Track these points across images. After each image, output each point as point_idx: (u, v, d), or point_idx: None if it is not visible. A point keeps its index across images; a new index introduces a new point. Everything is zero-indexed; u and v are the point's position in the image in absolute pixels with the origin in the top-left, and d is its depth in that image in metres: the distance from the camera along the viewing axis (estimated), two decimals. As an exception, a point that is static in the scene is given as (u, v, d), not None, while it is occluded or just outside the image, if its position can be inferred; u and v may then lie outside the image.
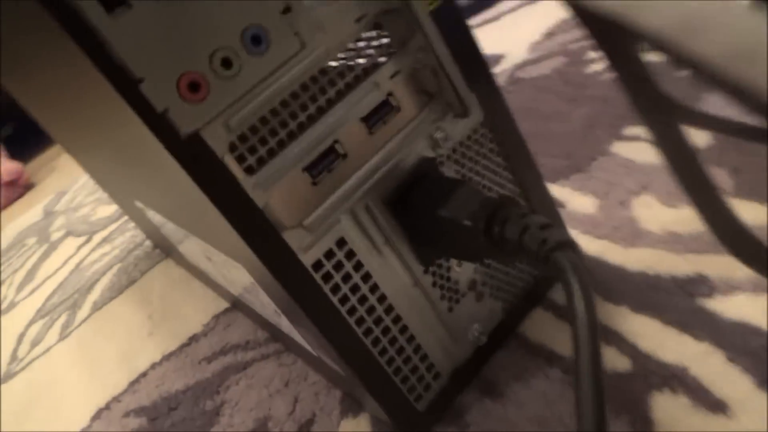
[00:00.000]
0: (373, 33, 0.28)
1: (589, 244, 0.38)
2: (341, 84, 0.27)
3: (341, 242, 0.28)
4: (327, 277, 0.28)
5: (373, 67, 0.28)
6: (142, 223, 0.64)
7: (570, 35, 0.62)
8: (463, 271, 0.33)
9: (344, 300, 0.29)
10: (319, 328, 0.28)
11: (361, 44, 0.27)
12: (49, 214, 1.14)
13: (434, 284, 0.32)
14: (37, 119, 0.57)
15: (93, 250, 0.85)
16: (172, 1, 0.22)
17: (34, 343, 0.69)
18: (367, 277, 0.29)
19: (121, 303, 0.66)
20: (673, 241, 0.34)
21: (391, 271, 0.30)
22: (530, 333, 0.35)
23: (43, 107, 0.47)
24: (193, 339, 0.53)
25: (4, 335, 0.75)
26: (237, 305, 0.52)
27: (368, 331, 0.30)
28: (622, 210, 0.38)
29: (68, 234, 0.97)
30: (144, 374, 0.51)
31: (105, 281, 0.73)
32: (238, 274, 0.36)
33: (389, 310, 0.30)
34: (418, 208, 0.29)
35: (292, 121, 0.26)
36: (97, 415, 0.50)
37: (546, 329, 0.35)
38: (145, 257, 0.73)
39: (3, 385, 0.64)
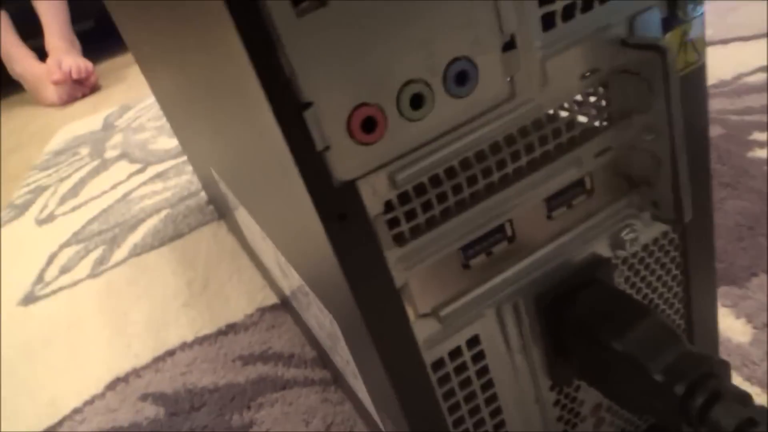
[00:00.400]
0: (594, 94, 0.21)
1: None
2: (539, 152, 0.20)
3: (474, 341, 0.22)
4: (444, 380, 0.22)
5: (580, 138, 0.21)
6: (202, 173, 0.58)
7: (730, 102, 0.53)
8: (592, 392, 0.26)
9: (454, 408, 0.23)
10: (411, 429, 0.22)
11: (576, 105, 0.20)
12: (108, 127, 1.11)
13: (557, 403, 0.26)
14: (115, 21, 0.51)
15: (144, 183, 0.80)
16: (376, 7, 0.16)
17: (64, 270, 0.65)
18: (488, 385, 0.23)
19: (162, 255, 0.61)
20: None
21: (517, 382, 0.24)
22: (641, 477, 0.29)
23: (132, 19, 0.41)
24: (232, 329, 0.47)
25: (35, 250, 0.71)
26: (287, 305, 0.47)
27: (467, 445, 0.24)
28: (784, 355, 0.31)
29: (123, 156, 0.93)
30: (171, 352, 0.47)
31: (150, 224, 0.69)
32: (312, 305, 0.30)
33: (499, 426, 0.24)
34: (580, 321, 0.22)
35: (468, 187, 0.19)
36: (112, 385, 0.45)
37: (661, 477, 0.28)
38: (198, 211, 0.68)
39: (23, 308, 0.60)
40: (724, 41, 0.65)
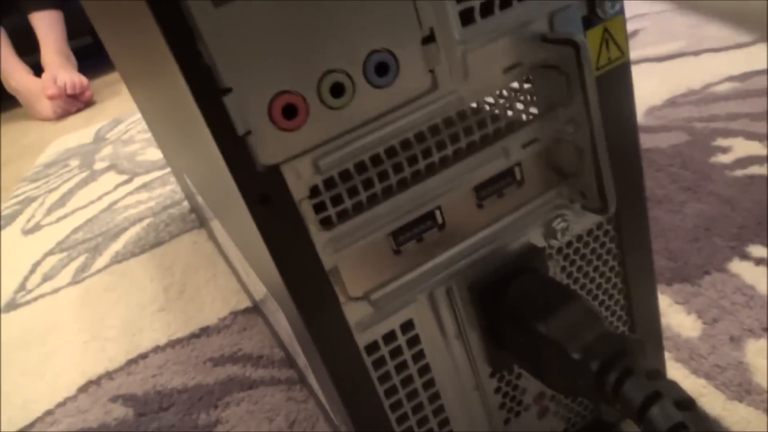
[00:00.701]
0: (518, 87, 0.22)
1: (683, 379, 0.31)
2: (464, 142, 0.21)
3: (408, 325, 0.23)
4: (379, 363, 0.23)
5: (506, 129, 0.22)
6: (183, 183, 0.59)
7: (698, 110, 0.55)
8: (533, 381, 0.27)
9: (390, 392, 0.23)
10: (350, 413, 0.23)
11: (501, 99, 0.22)
12: (99, 140, 1.12)
13: (497, 390, 0.26)
14: (103, 41, 0.53)
15: (130, 193, 0.81)
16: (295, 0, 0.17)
17: (46, 278, 0.66)
18: (424, 370, 0.24)
19: (141, 263, 0.62)
20: (793, 414, 0.28)
21: (455, 367, 0.24)
22: (589, 467, 0.29)
23: (110, 34, 0.43)
24: (205, 332, 0.48)
25: (19, 259, 0.72)
26: (258, 308, 0.47)
27: (407, 431, 0.24)
28: (731, 348, 0.32)
29: (111, 167, 0.94)
30: (144, 356, 0.47)
31: (132, 233, 0.69)
32: (272, 304, 0.31)
33: (438, 411, 0.25)
34: (512, 307, 0.23)
35: (394, 174, 0.20)
36: (84, 387, 0.46)
37: (608, 468, 0.29)
38: (179, 219, 0.69)
39: (4, 315, 0.61)
40: (696, 53, 0.66)
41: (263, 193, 0.18)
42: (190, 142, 0.26)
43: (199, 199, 0.45)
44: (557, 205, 0.24)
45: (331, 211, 0.20)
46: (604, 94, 0.22)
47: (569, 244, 0.25)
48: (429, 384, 0.24)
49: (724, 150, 0.48)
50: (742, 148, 0.47)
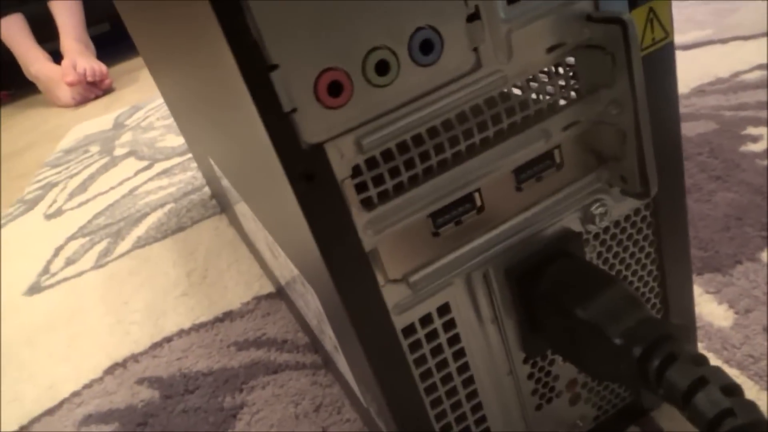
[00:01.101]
0: (561, 69, 0.21)
1: (714, 369, 0.31)
2: (506, 123, 0.21)
3: (444, 309, 0.23)
4: (415, 345, 0.23)
5: (547, 111, 0.22)
6: (205, 168, 0.59)
7: (726, 98, 0.54)
8: (566, 367, 0.27)
9: (426, 375, 0.23)
10: (385, 396, 0.23)
11: (543, 78, 0.21)
12: (118, 126, 1.13)
13: (531, 376, 0.26)
14: (126, 23, 0.53)
15: (150, 179, 0.82)
16: (340, -27, 0.16)
17: (69, 262, 0.66)
18: (459, 354, 0.24)
19: (164, 248, 0.63)
20: (830, 405, 0.28)
21: (489, 352, 0.24)
22: (619, 455, 0.29)
23: (136, 14, 0.43)
24: (228, 316, 0.48)
25: (42, 243, 0.73)
26: (281, 293, 0.47)
27: (440, 415, 0.24)
28: (765, 339, 0.31)
29: (131, 153, 0.95)
30: (169, 339, 0.48)
31: (154, 218, 0.70)
32: (300, 287, 0.31)
33: (472, 395, 0.25)
34: (549, 292, 0.23)
35: (435, 155, 0.20)
36: (110, 370, 0.46)
37: (639, 456, 0.29)
38: (200, 205, 0.69)
39: (28, 298, 0.62)
40: (723, 40, 0.65)
41: (307, 172, 0.18)
42: (226, 122, 0.26)
43: (225, 182, 0.45)
44: (596, 190, 0.24)
45: (372, 192, 0.20)
46: (647, 76, 0.22)
47: (606, 229, 0.25)
48: (463, 368, 0.24)
49: (755, 139, 0.47)
50: (773, 137, 0.46)
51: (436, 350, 0.23)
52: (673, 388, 0.19)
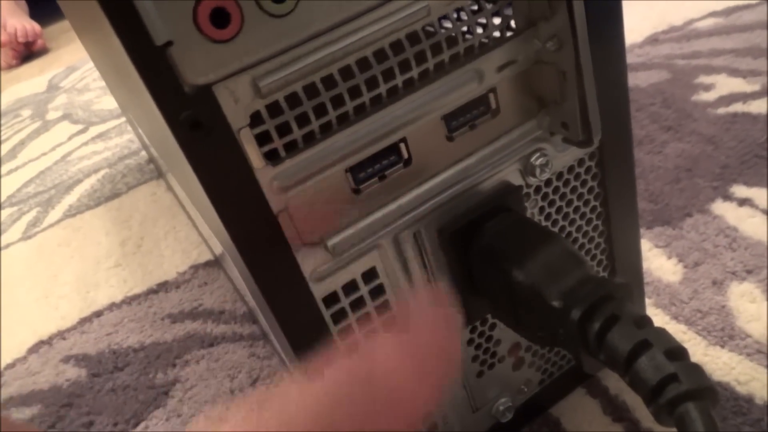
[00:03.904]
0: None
1: (663, 326, 0.30)
2: (431, 63, 0.18)
3: (370, 274, 0.20)
4: (339, 316, 0.20)
5: (479, 49, 0.19)
6: (139, 132, 0.55)
7: (679, 47, 0.52)
8: (508, 331, 0.25)
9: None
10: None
11: (474, 10, 0.19)
12: (52, 89, 1.06)
13: (470, 342, 0.24)
14: None
15: (85, 143, 0.77)
16: None
17: (-5, 234, 0.62)
18: (390, 323, 0.22)
19: (96, 216, 0.59)
20: (778, 359, 0.27)
21: (424, 319, 0.22)
22: (565, 419, 0.28)
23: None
24: (164, 287, 0.45)
25: (-34, 214, 0.68)
26: (220, 262, 0.45)
27: (374, 388, 0.22)
28: (714, 293, 0.30)
29: (65, 117, 0.89)
30: (99, 313, 0.45)
31: (87, 185, 0.66)
32: (227, 258, 0.28)
33: (408, 366, 0.23)
34: (486, 252, 0.21)
35: (350, 100, 0.17)
36: (35, 348, 0.43)
37: (585, 418, 0.28)
38: (137, 170, 0.65)
39: (-52, 273, 0.57)
40: (677, -11, 0.63)
41: (192, 118, 0.15)
42: (123, 77, 0.23)
43: (152, 149, 0.42)
44: (536, 138, 0.21)
45: (278, 143, 0.17)
46: (589, 9, 0.19)
47: (548, 182, 0.23)
48: (395, 337, 0.22)
49: (707, 87, 0.45)
50: (725, 85, 0.45)
51: (363, 319, 0.21)
52: (614, 352, 0.17)
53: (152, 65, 0.14)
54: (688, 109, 0.44)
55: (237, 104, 0.16)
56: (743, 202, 0.35)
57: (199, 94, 0.15)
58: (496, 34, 0.19)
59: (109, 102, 0.88)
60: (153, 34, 0.14)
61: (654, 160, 0.40)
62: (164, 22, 0.14)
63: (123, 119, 0.80)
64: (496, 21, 0.19)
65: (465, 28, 0.19)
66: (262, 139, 0.17)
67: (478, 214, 0.21)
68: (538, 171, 0.22)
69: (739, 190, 0.36)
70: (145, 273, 0.48)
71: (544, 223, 0.24)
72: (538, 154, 0.22)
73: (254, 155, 0.17)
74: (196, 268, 0.46)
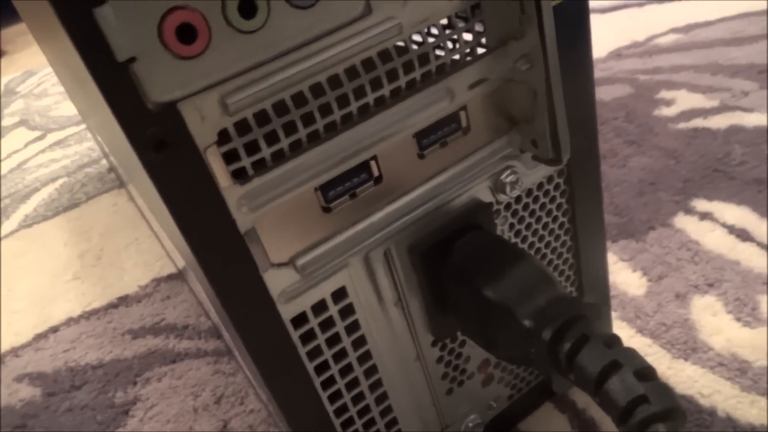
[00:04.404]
0: (465, 17, 0.19)
1: (628, 339, 0.30)
2: (403, 81, 0.18)
3: (340, 293, 0.20)
4: (308, 337, 0.20)
5: (451, 67, 0.19)
6: (98, 140, 0.54)
7: (642, 62, 0.54)
8: (478, 348, 0.25)
9: (322, 368, 0.21)
10: (275, 395, 0.20)
11: (445, 29, 0.19)
12: (8, 93, 1.02)
13: (440, 359, 0.24)
14: None
15: (42, 151, 0.74)
16: None
17: (-56, 245, 0.59)
18: (359, 342, 0.21)
19: (54, 227, 0.57)
20: (739, 371, 0.27)
21: (393, 338, 0.22)
22: (534, 433, 0.28)
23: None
24: (124, 301, 0.44)
25: None
26: (183, 275, 0.44)
27: (341, 409, 0.22)
28: (677, 306, 0.31)
29: (22, 123, 0.86)
30: (55, 329, 0.43)
31: (44, 194, 0.63)
32: (191, 272, 0.27)
33: (376, 386, 0.22)
34: (456, 270, 0.21)
35: (321, 117, 0.17)
36: (-14, 366, 0.41)
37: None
38: (97, 179, 0.64)
39: None
40: (640, 4, 0.65)
41: (157, 138, 0.15)
42: (83, 86, 0.22)
43: (113, 158, 0.41)
44: (506, 156, 0.21)
45: (246, 161, 0.16)
46: (559, 29, 0.20)
47: (518, 198, 0.23)
48: (365, 357, 0.22)
49: (668, 103, 0.47)
50: (685, 100, 0.46)
51: (333, 340, 0.20)
52: (584, 373, 0.17)
53: (114, 82, 0.14)
54: (651, 123, 0.45)
55: (204, 122, 0.15)
56: (704, 216, 0.35)
57: (163, 112, 0.15)
58: (468, 52, 0.19)
59: (68, 108, 0.86)
60: (115, 50, 0.13)
61: (618, 174, 0.41)
62: (127, 37, 0.13)
63: (83, 126, 0.77)
64: (468, 38, 0.19)
65: (437, 46, 0.18)
66: (230, 157, 0.16)
67: (449, 232, 0.21)
68: (508, 188, 0.22)
69: (701, 204, 0.36)
70: (105, 286, 0.46)
71: (513, 240, 0.24)
72: (508, 172, 0.22)
73: (221, 174, 0.16)
74: (158, 281, 0.45)
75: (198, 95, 0.15)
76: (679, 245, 0.34)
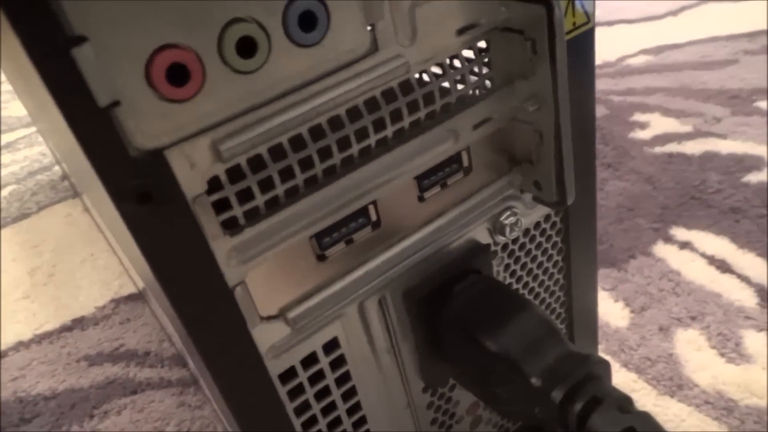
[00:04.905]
0: (472, 55, 0.18)
1: (614, 374, 0.30)
2: (407, 121, 0.17)
3: (332, 345, 0.19)
4: (296, 392, 0.18)
5: (456, 106, 0.18)
6: (50, 146, 0.51)
7: (614, 82, 0.54)
8: (467, 392, 0.24)
9: (309, 423, 0.19)
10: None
11: (452, 68, 0.17)
12: (-51, 89, 0.96)
13: (430, 405, 0.23)
14: None
15: (-12, 154, 0.70)
16: None
17: None
18: (349, 394, 0.20)
19: (2, 239, 0.53)
20: (726, 410, 0.27)
21: (385, 386, 0.21)
22: (520, 475, 0.27)
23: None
24: (80, 323, 0.41)
25: None
26: (145, 296, 0.41)
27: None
28: (661, 339, 0.31)
29: (-36, 123, 0.81)
30: (2, 354, 0.40)
31: (-10, 202, 0.59)
32: (152, 296, 0.25)
33: (365, 436, 0.21)
34: (456, 319, 0.19)
35: (320, 162, 0.16)
36: (-76, 396, 0.38)
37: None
38: (49, 187, 0.60)
39: None
40: (609, 23, 0.66)
41: (141, 190, 0.13)
42: (42, 104, 0.20)
43: (65, 165, 0.38)
44: (507, 197, 0.20)
45: (237, 211, 0.15)
46: (575, 61, 0.19)
47: (515, 239, 0.22)
48: (354, 409, 0.20)
49: (642, 125, 0.47)
50: (659, 124, 0.46)
51: (322, 393, 0.19)
52: (596, 438, 0.16)
53: (93, 129, 0.12)
54: (626, 146, 0.45)
55: (193, 170, 0.14)
56: (684, 245, 0.35)
57: (149, 161, 0.13)
58: (473, 91, 0.18)
59: (17, 108, 0.81)
60: (96, 94, 0.12)
61: (597, 198, 0.41)
62: (110, 79, 0.12)
63: (34, 128, 0.73)
64: (474, 77, 0.18)
65: (442, 85, 0.17)
66: (220, 206, 0.15)
67: (446, 276, 0.20)
68: (507, 230, 0.21)
69: (680, 233, 0.36)
70: (59, 307, 0.43)
71: (509, 280, 0.23)
72: (508, 213, 0.21)
73: (210, 225, 0.14)
74: (117, 302, 0.43)
75: (188, 141, 0.13)
76: (661, 275, 0.34)
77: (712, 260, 0.34)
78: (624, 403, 0.16)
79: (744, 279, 0.32)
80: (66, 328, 0.41)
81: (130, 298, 0.43)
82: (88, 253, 0.49)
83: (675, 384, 0.29)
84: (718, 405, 0.27)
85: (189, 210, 0.14)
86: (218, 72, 0.13)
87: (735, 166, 0.40)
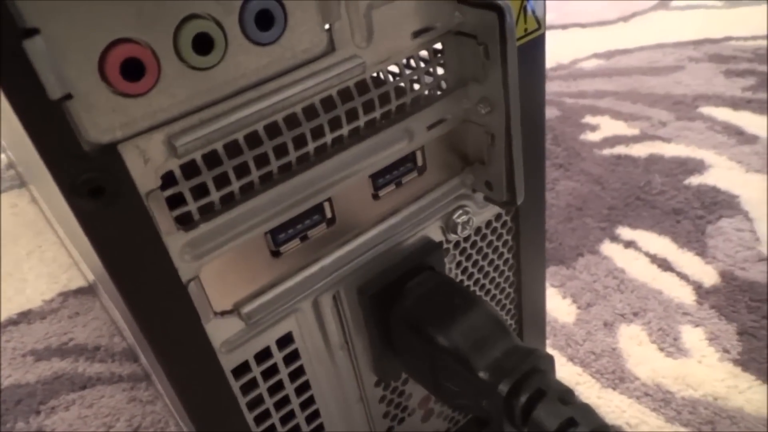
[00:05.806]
0: (427, 57, 0.18)
1: (560, 367, 0.31)
2: (362, 120, 0.17)
3: (286, 339, 0.19)
4: (249, 386, 0.18)
5: (411, 107, 0.18)
6: None
7: (567, 85, 0.55)
8: (419, 386, 0.25)
9: (262, 417, 0.19)
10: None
11: (407, 69, 0.18)
12: None
13: (382, 399, 0.23)
14: None
15: (-73, 140, 0.67)
16: None
17: None
18: (303, 388, 0.20)
19: (-58, 229, 0.51)
20: (663, 402, 0.28)
21: (338, 381, 0.21)
22: (469, 465, 0.28)
23: None
24: (26, 317, 0.40)
25: None
26: (95, 289, 0.40)
27: (281, 455, 0.21)
28: (605, 334, 0.32)
29: None
30: (-58, 349, 0.38)
31: (-71, 191, 0.57)
32: (103, 289, 0.25)
33: (318, 431, 0.21)
34: (408, 314, 0.20)
35: (275, 159, 0.16)
36: None
37: (488, 464, 0.28)
38: (-6, 176, 0.58)
39: None
40: (564, 26, 0.67)
41: (93, 184, 0.13)
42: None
43: (11, 153, 0.37)
44: (459, 196, 0.21)
45: (192, 206, 0.15)
46: (526, 65, 0.19)
47: (467, 237, 0.22)
48: (308, 403, 0.20)
49: (593, 128, 0.48)
50: (609, 126, 0.48)
51: (276, 388, 0.19)
52: (541, 429, 0.17)
53: (43, 122, 0.12)
54: (577, 147, 0.46)
55: (147, 165, 0.14)
56: (629, 244, 0.37)
57: (101, 155, 0.13)
58: (428, 92, 0.19)
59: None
60: (47, 87, 0.12)
61: (547, 198, 0.42)
62: (62, 72, 0.12)
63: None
64: (429, 78, 0.18)
65: (398, 86, 0.18)
66: (175, 201, 0.15)
67: (399, 273, 0.20)
68: (459, 228, 0.21)
69: (625, 232, 0.38)
70: (4, 300, 0.42)
71: (460, 277, 0.23)
72: (460, 212, 0.21)
73: (164, 220, 0.14)
74: (65, 295, 0.42)
75: (142, 136, 0.13)
76: (606, 273, 0.35)
77: (654, 259, 0.36)
78: (566, 395, 0.17)
79: (683, 277, 0.34)
80: (12, 322, 0.40)
81: (79, 291, 0.42)
82: (35, 245, 0.47)
83: (617, 377, 0.30)
84: (657, 397, 0.28)
85: (142, 205, 0.14)
86: (174, 68, 0.13)
87: (678, 168, 0.42)
